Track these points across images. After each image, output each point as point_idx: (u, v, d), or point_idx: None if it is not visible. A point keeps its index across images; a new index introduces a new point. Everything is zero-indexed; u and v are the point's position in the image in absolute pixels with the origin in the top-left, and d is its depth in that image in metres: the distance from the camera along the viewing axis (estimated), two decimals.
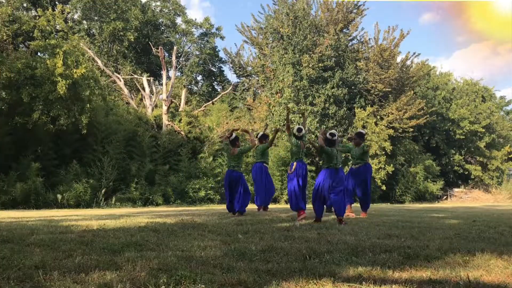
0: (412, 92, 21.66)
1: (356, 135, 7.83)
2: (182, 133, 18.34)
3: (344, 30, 22.56)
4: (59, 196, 13.10)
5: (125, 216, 6.86)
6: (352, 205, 7.76)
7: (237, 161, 7.60)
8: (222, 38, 30.58)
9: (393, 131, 20.37)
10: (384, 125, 20.34)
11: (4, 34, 15.44)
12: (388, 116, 20.74)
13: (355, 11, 22.35)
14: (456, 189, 26.49)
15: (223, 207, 13.87)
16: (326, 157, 6.20)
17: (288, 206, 8.29)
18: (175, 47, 23.81)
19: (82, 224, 5.35)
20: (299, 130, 6.81)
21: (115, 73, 22.79)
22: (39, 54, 17.59)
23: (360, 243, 3.91)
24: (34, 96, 13.35)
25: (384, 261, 3.11)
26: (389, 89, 21.01)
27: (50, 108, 13.68)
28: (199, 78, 30.93)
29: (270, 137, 8.36)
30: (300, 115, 19.21)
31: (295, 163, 6.73)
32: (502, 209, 12.75)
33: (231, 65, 26.40)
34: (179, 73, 27.55)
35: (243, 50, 31.42)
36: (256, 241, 3.98)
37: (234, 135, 7.78)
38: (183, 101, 21.46)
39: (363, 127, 20.54)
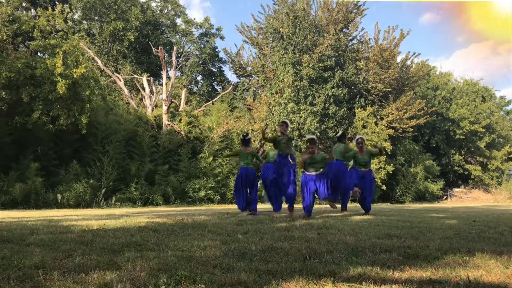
0: (412, 92, 21.66)
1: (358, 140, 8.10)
2: (182, 133, 18.33)
3: (344, 30, 22.56)
4: (59, 196, 13.10)
5: (125, 216, 6.85)
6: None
7: (250, 159, 7.68)
8: (222, 38, 30.60)
9: (393, 131, 20.37)
10: (384, 125, 20.34)
11: (4, 34, 15.45)
12: (388, 116, 20.74)
13: (355, 11, 22.35)
14: (456, 189, 26.49)
15: (223, 207, 13.89)
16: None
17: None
18: (175, 47, 23.82)
19: (82, 224, 5.35)
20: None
21: (115, 73, 22.80)
22: (39, 54, 17.59)
23: (360, 243, 3.91)
24: (34, 96, 13.35)
25: (384, 261, 3.11)
26: (389, 89, 21.00)
27: (50, 108, 13.68)
28: (199, 78, 30.97)
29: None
30: (300, 116, 19.21)
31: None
32: (502, 209, 12.74)
33: (231, 65, 26.40)
34: (179, 73, 27.56)
35: (243, 50, 31.37)
36: (256, 241, 3.98)
37: (249, 136, 7.90)
38: (183, 101, 21.46)
39: (363, 127, 20.54)
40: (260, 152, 8.70)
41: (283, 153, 7.39)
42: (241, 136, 7.96)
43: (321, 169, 6.60)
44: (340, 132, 8.70)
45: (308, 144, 6.59)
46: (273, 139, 7.55)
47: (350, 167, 8.12)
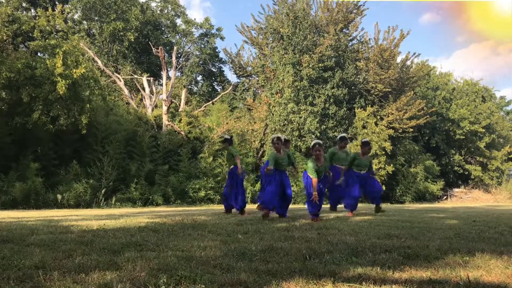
0: (412, 92, 21.65)
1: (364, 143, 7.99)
2: (182, 133, 18.33)
3: (344, 30, 22.55)
4: (59, 196, 13.10)
5: (125, 216, 6.85)
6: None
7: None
8: (222, 38, 30.63)
9: (393, 131, 20.37)
10: (384, 125, 20.34)
11: (4, 34, 15.45)
12: (388, 116, 20.74)
13: (355, 11, 22.34)
14: (456, 189, 26.47)
15: (223, 207, 13.85)
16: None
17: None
18: (175, 47, 23.83)
19: (82, 224, 5.35)
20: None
21: (115, 73, 22.80)
22: (39, 54, 17.60)
23: (360, 243, 3.90)
24: (34, 96, 13.35)
25: (384, 261, 3.11)
26: (389, 89, 21.00)
27: (50, 108, 13.68)
28: (199, 78, 30.98)
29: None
30: (300, 116, 19.20)
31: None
32: (502, 209, 12.73)
33: (231, 65, 26.39)
34: (179, 73, 27.56)
35: (243, 50, 31.42)
36: (256, 241, 3.98)
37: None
38: (183, 101, 21.46)
39: (363, 127, 20.54)
40: (260, 152, 8.73)
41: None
42: (227, 136, 8.01)
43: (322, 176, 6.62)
44: (341, 135, 8.63)
45: (316, 146, 6.49)
46: (274, 163, 6.93)
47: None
